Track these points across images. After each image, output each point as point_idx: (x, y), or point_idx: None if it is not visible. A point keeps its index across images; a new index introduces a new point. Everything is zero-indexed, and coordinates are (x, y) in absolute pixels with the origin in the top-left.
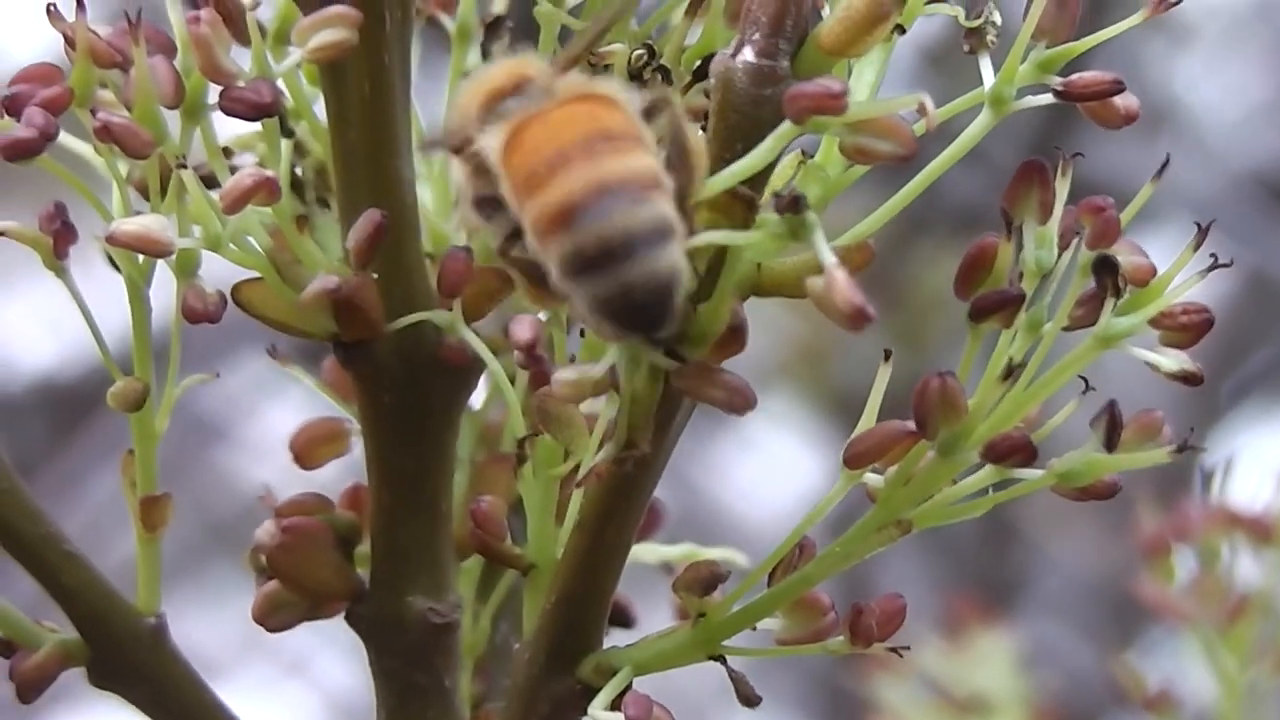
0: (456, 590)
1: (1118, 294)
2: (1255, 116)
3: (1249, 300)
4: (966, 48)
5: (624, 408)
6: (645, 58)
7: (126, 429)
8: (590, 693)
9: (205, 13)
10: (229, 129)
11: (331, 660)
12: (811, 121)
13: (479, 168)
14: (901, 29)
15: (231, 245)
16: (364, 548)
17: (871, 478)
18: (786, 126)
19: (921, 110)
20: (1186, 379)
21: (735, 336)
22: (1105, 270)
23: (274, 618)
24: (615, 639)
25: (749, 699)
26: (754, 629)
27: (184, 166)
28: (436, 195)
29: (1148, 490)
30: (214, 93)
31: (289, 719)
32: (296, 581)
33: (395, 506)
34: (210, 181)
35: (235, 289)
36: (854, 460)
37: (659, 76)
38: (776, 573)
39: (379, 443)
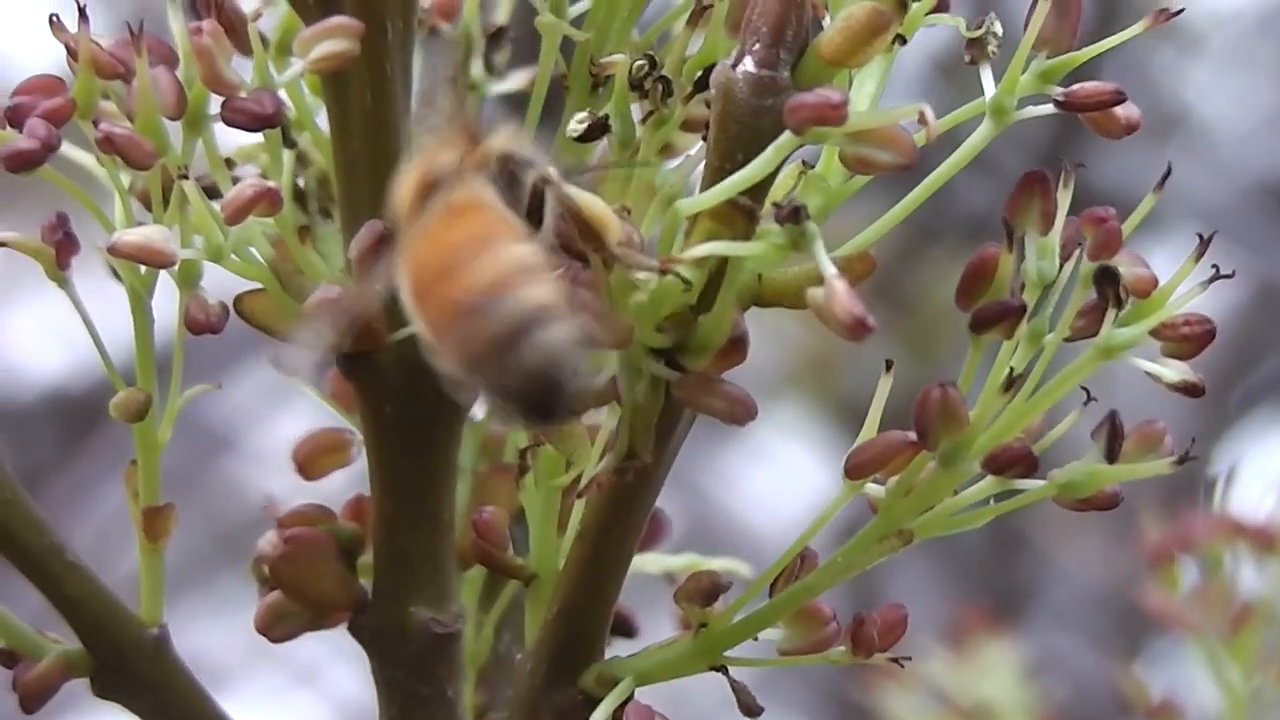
0: (459, 600)
1: (1119, 305)
2: (1265, 126)
3: (1258, 309)
4: (968, 58)
5: (625, 418)
6: (646, 68)
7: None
8: (592, 703)
9: (207, 23)
10: (231, 140)
11: (339, 669)
12: (812, 132)
13: None
14: (902, 39)
15: (234, 256)
16: (367, 558)
17: (873, 488)
18: (787, 137)
19: (922, 120)
20: (1188, 390)
21: (736, 347)
22: (1107, 281)
23: (277, 628)
24: (618, 649)
25: (750, 709)
26: (756, 639)
27: (186, 177)
28: None
29: (1153, 500)
30: (216, 103)
31: None
32: (299, 592)
33: (398, 517)
34: (213, 192)
35: (238, 300)
36: (855, 471)
37: (660, 86)
38: (778, 583)
39: (381, 453)
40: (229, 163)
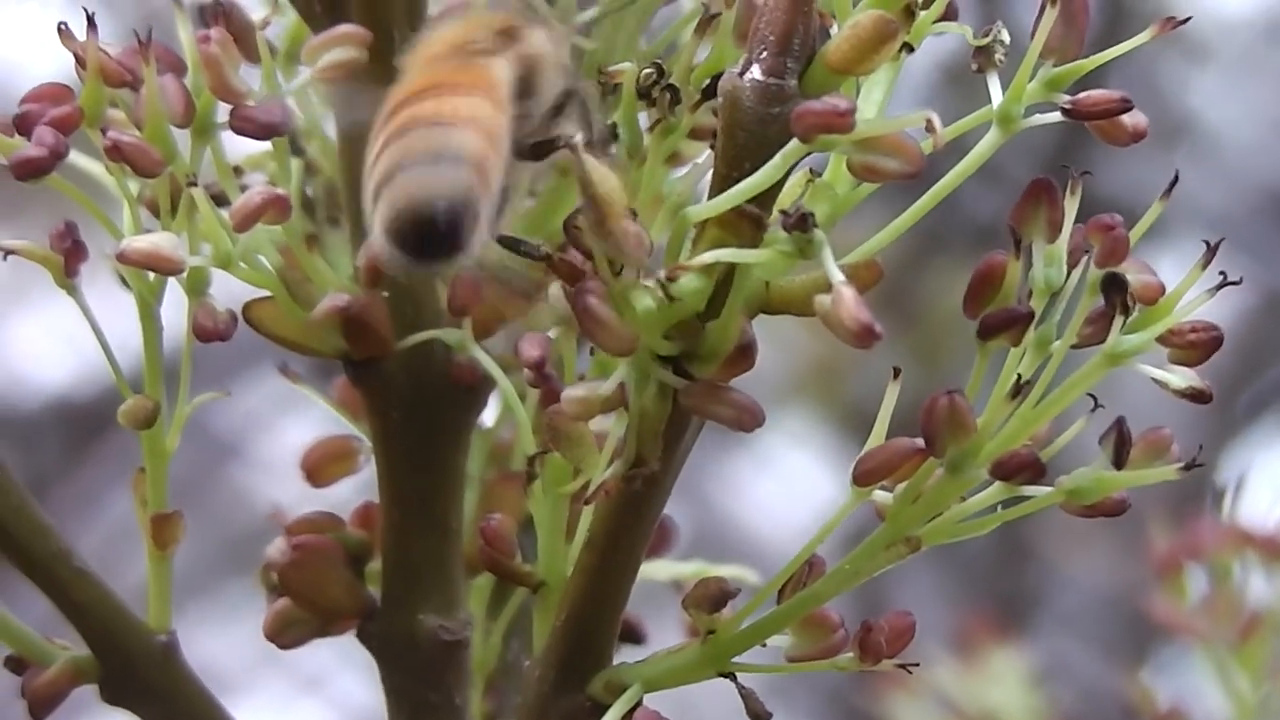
0: (467, 608)
1: (1126, 312)
2: (1272, 134)
3: (1265, 316)
4: (975, 66)
5: (633, 425)
6: (654, 76)
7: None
8: (600, 709)
9: (215, 32)
10: (239, 148)
11: (348, 677)
12: (819, 140)
13: None
14: (910, 47)
15: (242, 264)
16: (375, 565)
17: (881, 495)
18: (794, 145)
19: (929, 128)
20: (1195, 396)
21: (744, 354)
22: (1114, 288)
23: (285, 635)
24: (625, 656)
25: (759, 715)
26: (764, 646)
27: (194, 185)
28: None
29: (1161, 509)
30: (224, 112)
31: None
32: (307, 599)
33: (406, 524)
34: (221, 200)
35: (246, 307)
36: (863, 478)
37: (668, 95)
38: (786, 590)
39: (389, 461)
40: (237, 171)
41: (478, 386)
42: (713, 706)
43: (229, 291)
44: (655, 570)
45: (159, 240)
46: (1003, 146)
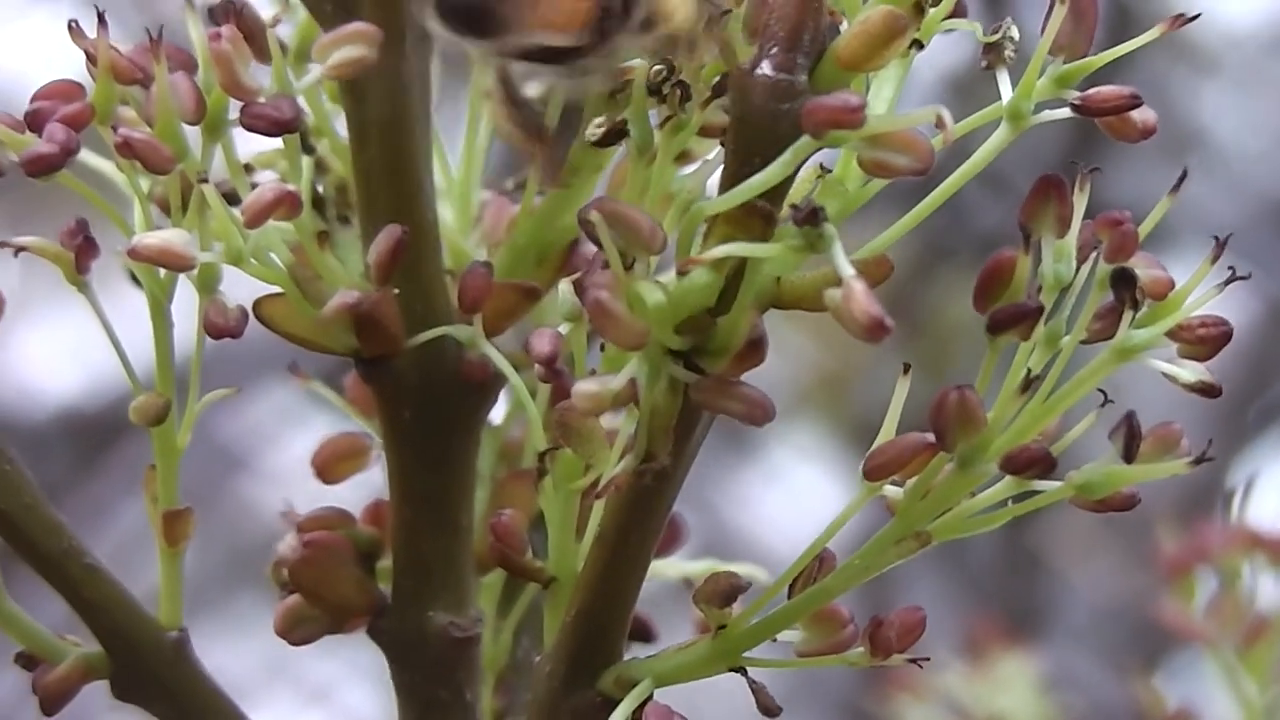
0: (478, 605)
1: (1135, 307)
2: (1278, 145)
3: (1273, 326)
4: (984, 63)
5: (643, 420)
6: (664, 73)
7: (151, 458)
8: (611, 705)
9: (226, 30)
10: (250, 146)
11: (355, 689)
12: (829, 135)
13: None
14: (920, 44)
15: (253, 260)
16: (386, 563)
17: (891, 490)
18: (804, 140)
19: (939, 124)
20: (1204, 390)
21: (754, 349)
22: (1123, 283)
23: (296, 632)
24: (636, 654)
25: (770, 709)
26: (774, 641)
27: (205, 182)
28: (457, 211)
29: (1171, 516)
30: (235, 109)
31: None
32: (318, 596)
33: (416, 521)
34: (232, 198)
35: (257, 304)
36: (873, 472)
37: (678, 92)
38: (796, 585)
39: (400, 458)
40: (248, 168)
41: (489, 383)
42: (714, 710)
43: (237, 295)
44: (665, 568)
45: (170, 237)
46: (1010, 157)
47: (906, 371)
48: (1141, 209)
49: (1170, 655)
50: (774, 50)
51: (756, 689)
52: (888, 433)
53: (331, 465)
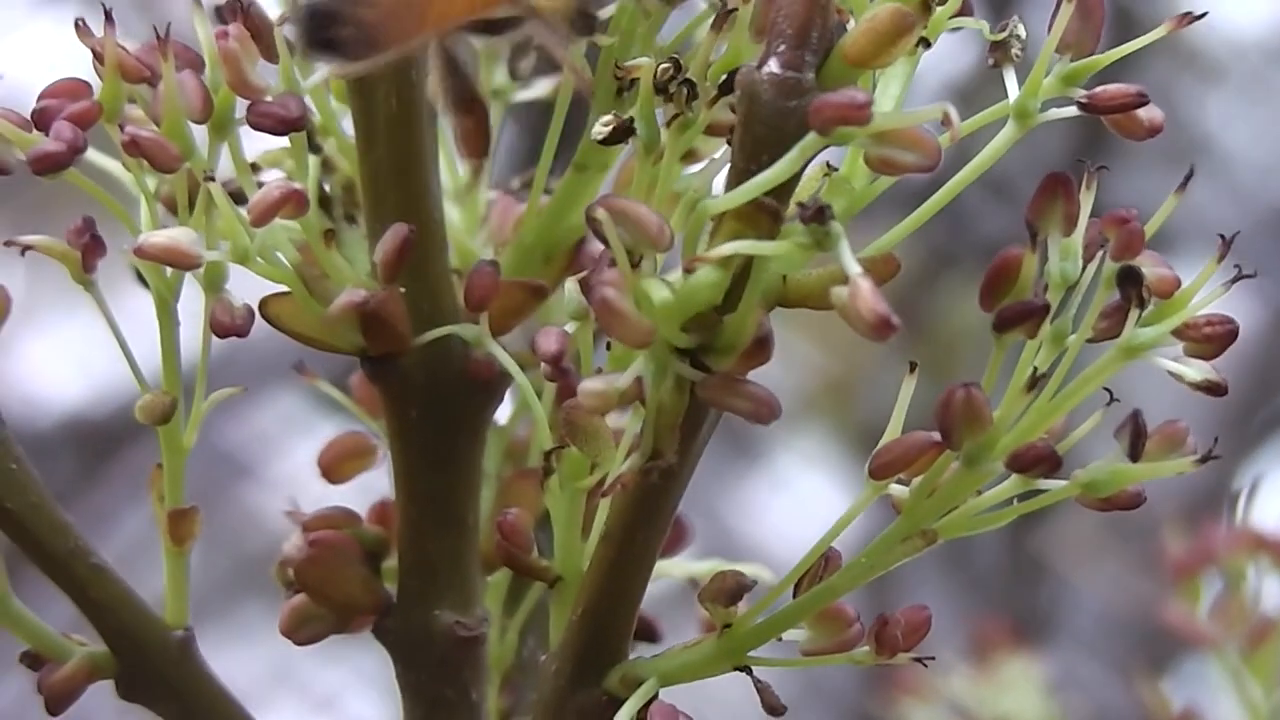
0: (483, 604)
1: (1142, 305)
2: None
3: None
4: (991, 61)
5: (649, 419)
6: (671, 71)
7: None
8: (617, 704)
9: (233, 28)
10: (257, 145)
11: (360, 697)
12: (837, 133)
13: None
14: (927, 43)
15: (259, 259)
16: (391, 562)
17: (896, 489)
18: (811, 138)
19: (946, 122)
20: (1210, 389)
21: (761, 347)
22: (1129, 281)
23: (301, 631)
24: (641, 654)
25: (775, 709)
26: (780, 640)
27: (212, 180)
28: (463, 210)
29: (1177, 520)
30: (242, 108)
31: None
32: (323, 595)
33: (422, 521)
34: (238, 197)
35: (263, 303)
36: (879, 470)
37: (685, 90)
38: (802, 584)
39: (406, 457)
40: (254, 167)
41: (495, 382)
42: (717, 715)
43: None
44: (671, 568)
45: (177, 235)
46: (1016, 165)
47: (913, 371)
48: (1147, 216)
49: (1176, 658)
50: (781, 48)
51: (761, 688)
52: (893, 432)
53: (337, 464)
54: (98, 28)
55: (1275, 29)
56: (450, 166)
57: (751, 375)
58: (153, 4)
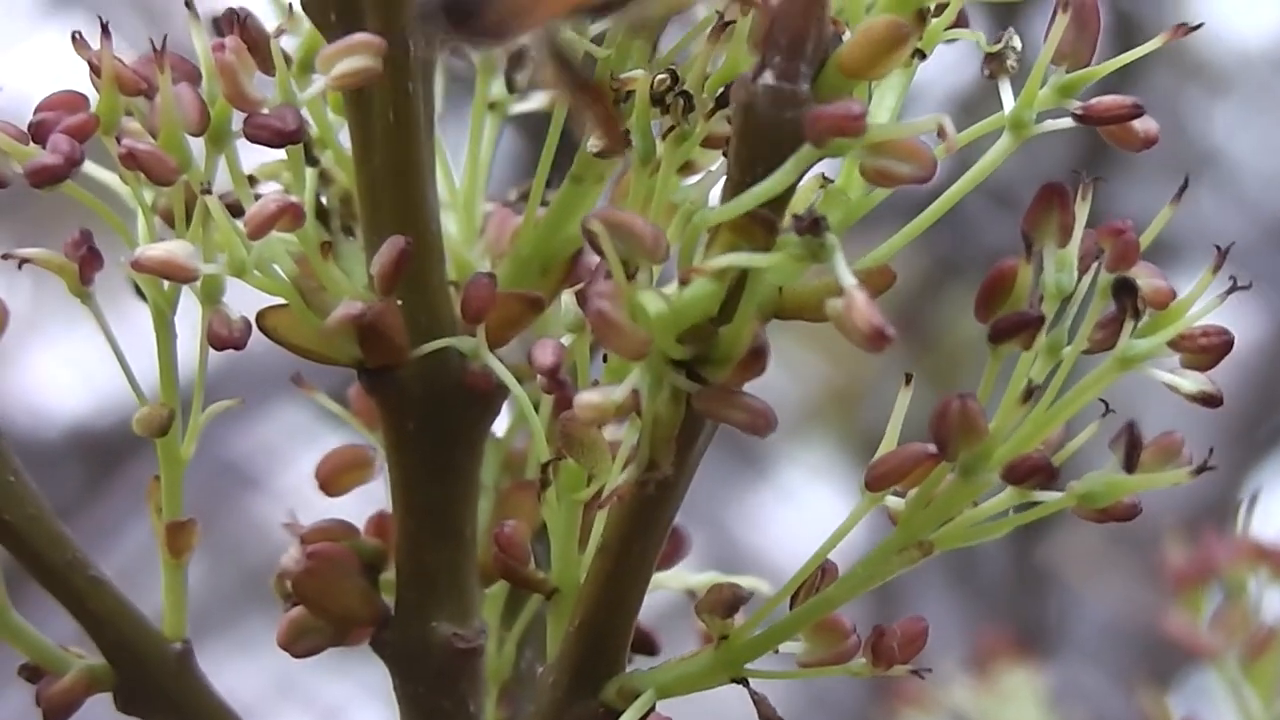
0: (481, 616)
1: (1137, 316)
2: None
3: None
4: (986, 72)
5: (646, 430)
6: (668, 83)
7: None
8: (614, 716)
9: (230, 40)
10: (254, 157)
11: (364, 709)
12: (832, 144)
13: None
14: (922, 54)
15: (256, 272)
16: (389, 574)
17: (893, 500)
18: (807, 149)
19: (942, 133)
20: (1206, 400)
21: (756, 358)
22: (1124, 292)
23: (299, 644)
24: (639, 666)
25: None
26: (777, 651)
27: (209, 193)
28: (460, 222)
29: (1180, 531)
30: (239, 120)
31: None
32: (321, 607)
33: (420, 533)
34: (236, 210)
35: (260, 315)
36: (875, 482)
37: (681, 102)
38: (799, 596)
39: (404, 469)
40: (251, 179)
41: (492, 394)
42: None
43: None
44: (668, 579)
45: (174, 248)
46: (1017, 174)
47: (908, 383)
48: (1150, 226)
49: (1178, 669)
50: (777, 59)
51: (758, 700)
52: (889, 443)
53: (335, 477)
54: (96, 34)
55: None
56: (447, 178)
57: (755, 386)
58: (159, 15)
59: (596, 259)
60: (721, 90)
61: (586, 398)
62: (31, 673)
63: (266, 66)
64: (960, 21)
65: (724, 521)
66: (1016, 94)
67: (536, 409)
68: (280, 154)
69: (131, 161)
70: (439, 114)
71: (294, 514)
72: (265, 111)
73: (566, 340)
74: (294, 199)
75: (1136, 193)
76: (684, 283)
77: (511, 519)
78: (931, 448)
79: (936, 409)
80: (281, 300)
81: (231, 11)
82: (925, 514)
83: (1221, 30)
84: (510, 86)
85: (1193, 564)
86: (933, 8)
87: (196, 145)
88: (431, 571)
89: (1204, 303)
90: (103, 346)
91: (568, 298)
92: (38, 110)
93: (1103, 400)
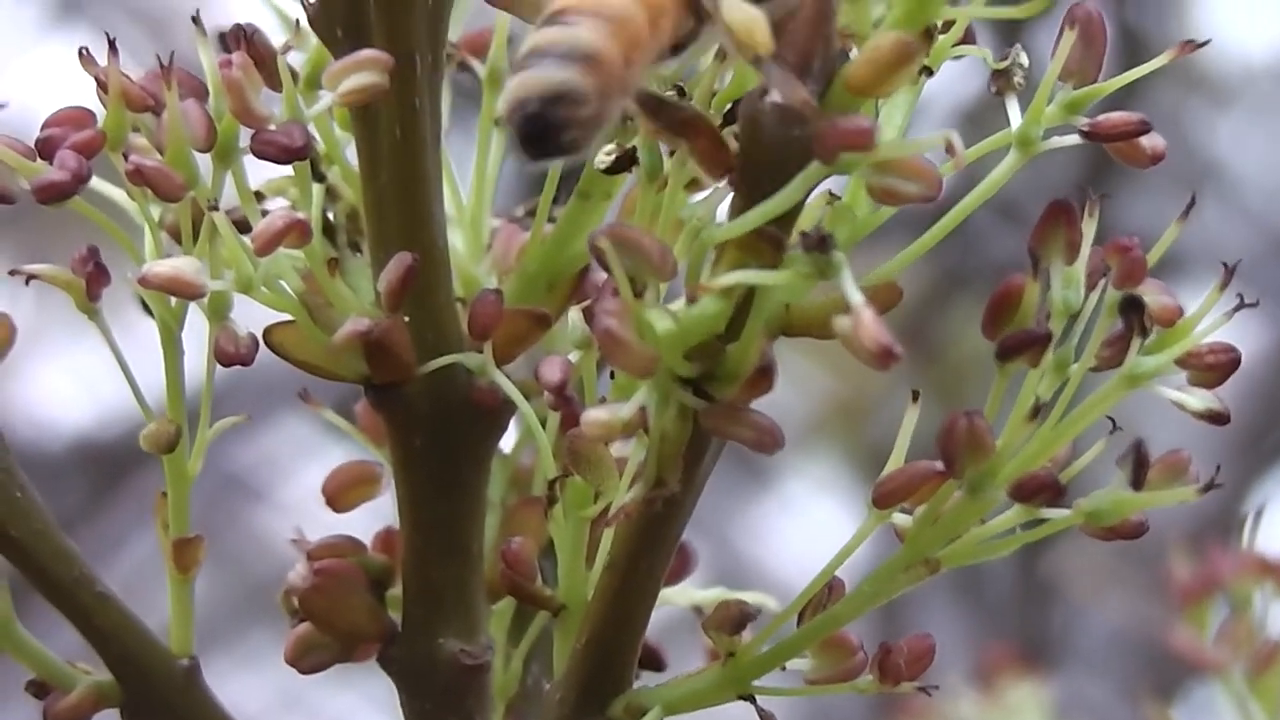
0: (488, 632)
1: (1144, 333)
2: None
3: None
4: (994, 89)
5: (653, 447)
6: (675, 100)
7: (164, 489)
8: None
9: (237, 57)
10: (261, 173)
11: None
12: (840, 161)
13: None
14: (929, 71)
15: (263, 288)
16: (396, 590)
17: (900, 518)
18: (814, 167)
19: (949, 149)
20: (1213, 418)
21: (764, 376)
22: (1131, 309)
23: (306, 660)
24: (646, 682)
25: None
26: (784, 668)
27: (216, 209)
28: (467, 238)
29: (1186, 545)
30: (246, 136)
31: None
32: (328, 623)
33: (427, 549)
34: (242, 226)
35: (267, 332)
36: (882, 500)
37: None
38: (806, 612)
39: (411, 485)
40: (258, 196)
41: (499, 410)
42: None
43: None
44: (675, 596)
45: (181, 265)
46: (1025, 187)
47: (916, 400)
48: (1157, 240)
49: (1184, 683)
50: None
51: (765, 717)
52: (896, 460)
53: (342, 493)
54: (103, 50)
55: None
56: (454, 194)
57: (760, 399)
58: (161, 27)
59: (604, 275)
60: (729, 107)
61: (594, 415)
62: (38, 688)
63: (273, 83)
64: (967, 38)
65: (728, 533)
66: (1023, 110)
67: (543, 425)
68: (287, 170)
69: (139, 178)
70: (445, 129)
71: (301, 530)
72: (272, 128)
73: (573, 357)
74: (301, 215)
75: (1140, 204)
76: (691, 300)
77: (518, 535)
78: (939, 465)
79: (944, 426)
80: (288, 316)
81: (239, 27)
82: (932, 531)
83: (1225, 43)
84: None
85: (1198, 578)
86: (940, 24)
87: (203, 161)
88: (438, 588)
89: (1211, 320)
90: (107, 359)
91: (575, 314)
92: (45, 126)
93: (1109, 417)
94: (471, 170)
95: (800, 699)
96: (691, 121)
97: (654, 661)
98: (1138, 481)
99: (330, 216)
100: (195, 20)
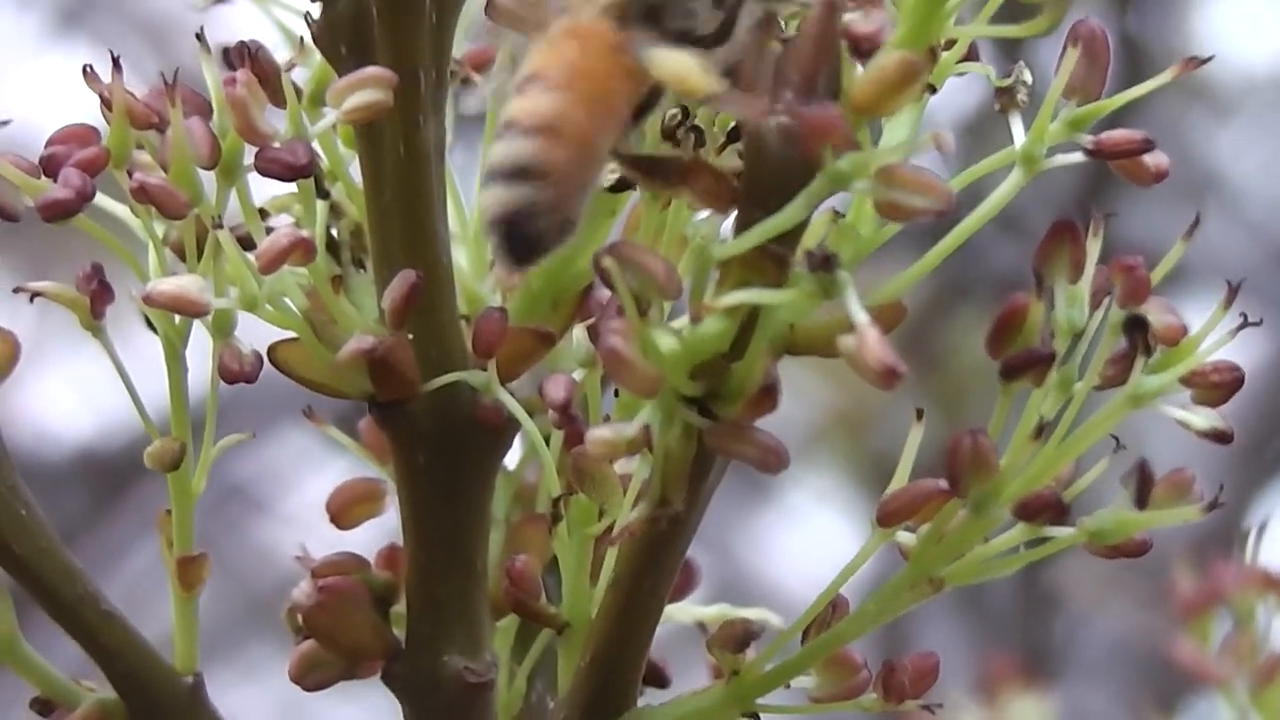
0: (492, 649)
1: (1148, 352)
2: None
3: None
4: (997, 106)
5: (657, 466)
6: (679, 118)
7: (166, 500)
8: None
9: (241, 74)
10: (265, 191)
11: None
12: (841, 173)
13: None
14: (933, 88)
15: (268, 305)
16: (400, 607)
17: (904, 536)
18: (818, 183)
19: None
20: (1217, 437)
21: (768, 395)
22: (1135, 329)
23: (310, 677)
24: (650, 699)
25: None
26: (788, 687)
27: (220, 227)
28: (471, 256)
29: (1188, 557)
30: (250, 154)
31: None
32: (333, 640)
33: (431, 566)
34: (247, 243)
35: (271, 349)
36: (886, 518)
37: (693, 136)
38: (810, 631)
39: (415, 503)
40: (262, 213)
41: (503, 428)
42: None
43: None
44: (679, 612)
45: (185, 282)
46: (1027, 198)
47: (920, 418)
48: (1158, 252)
49: (1186, 696)
50: (788, 95)
51: None
52: (901, 479)
53: (346, 510)
54: (106, 65)
55: None
56: (458, 210)
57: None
58: (163, 40)
59: (608, 293)
60: (733, 125)
61: (598, 433)
62: (43, 706)
63: (277, 100)
64: (970, 55)
65: (729, 544)
66: (1026, 126)
67: (547, 443)
68: (291, 187)
69: (143, 195)
70: (449, 145)
71: (305, 546)
72: (276, 145)
73: (578, 375)
74: (305, 233)
75: (1140, 214)
76: (695, 319)
77: (523, 553)
78: (943, 484)
79: (949, 445)
80: (293, 334)
81: (242, 44)
82: (936, 550)
83: (1227, 53)
84: None
85: (1201, 591)
86: (943, 42)
87: (208, 179)
88: (443, 604)
89: (1215, 338)
90: (109, 370)
91: (579, 332)
92: (49, 143)
93: (1114, 436)
94: (475, 187)
95: (805, 716)
96: (687, 168)
97: (658, 679)
98: (1142, 501)
99: (334, 233)
100: (199, 37)
